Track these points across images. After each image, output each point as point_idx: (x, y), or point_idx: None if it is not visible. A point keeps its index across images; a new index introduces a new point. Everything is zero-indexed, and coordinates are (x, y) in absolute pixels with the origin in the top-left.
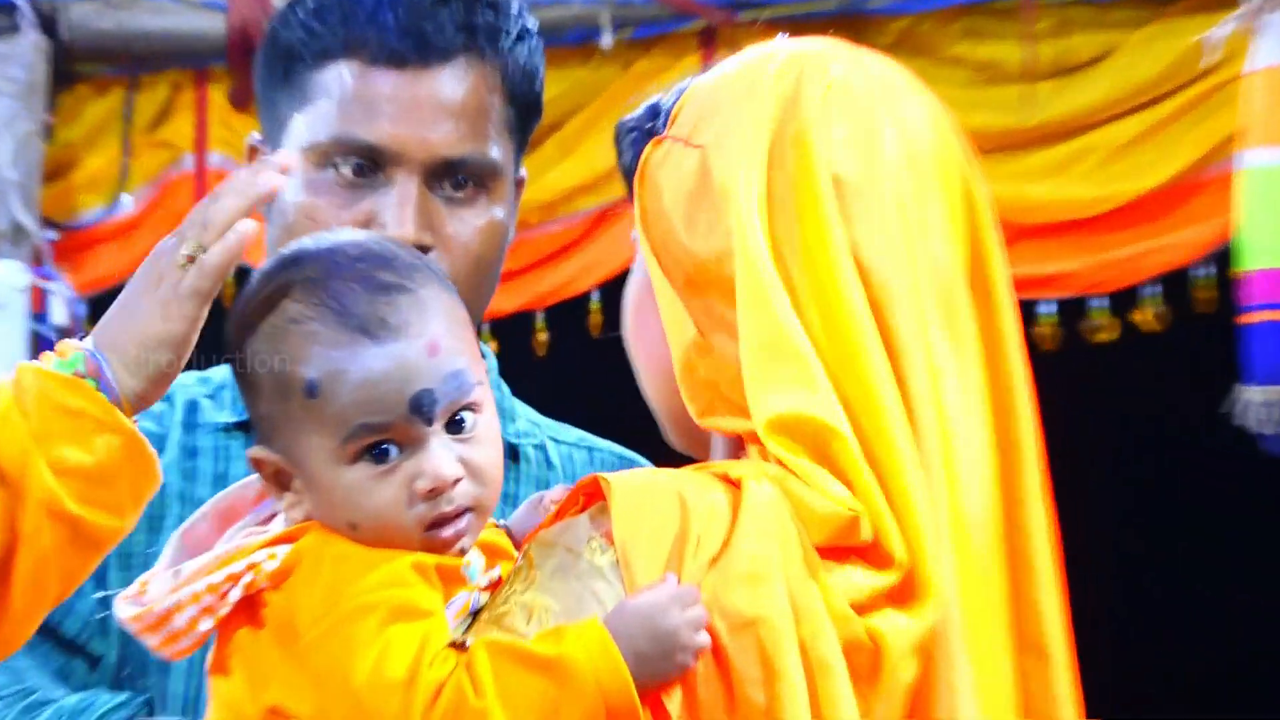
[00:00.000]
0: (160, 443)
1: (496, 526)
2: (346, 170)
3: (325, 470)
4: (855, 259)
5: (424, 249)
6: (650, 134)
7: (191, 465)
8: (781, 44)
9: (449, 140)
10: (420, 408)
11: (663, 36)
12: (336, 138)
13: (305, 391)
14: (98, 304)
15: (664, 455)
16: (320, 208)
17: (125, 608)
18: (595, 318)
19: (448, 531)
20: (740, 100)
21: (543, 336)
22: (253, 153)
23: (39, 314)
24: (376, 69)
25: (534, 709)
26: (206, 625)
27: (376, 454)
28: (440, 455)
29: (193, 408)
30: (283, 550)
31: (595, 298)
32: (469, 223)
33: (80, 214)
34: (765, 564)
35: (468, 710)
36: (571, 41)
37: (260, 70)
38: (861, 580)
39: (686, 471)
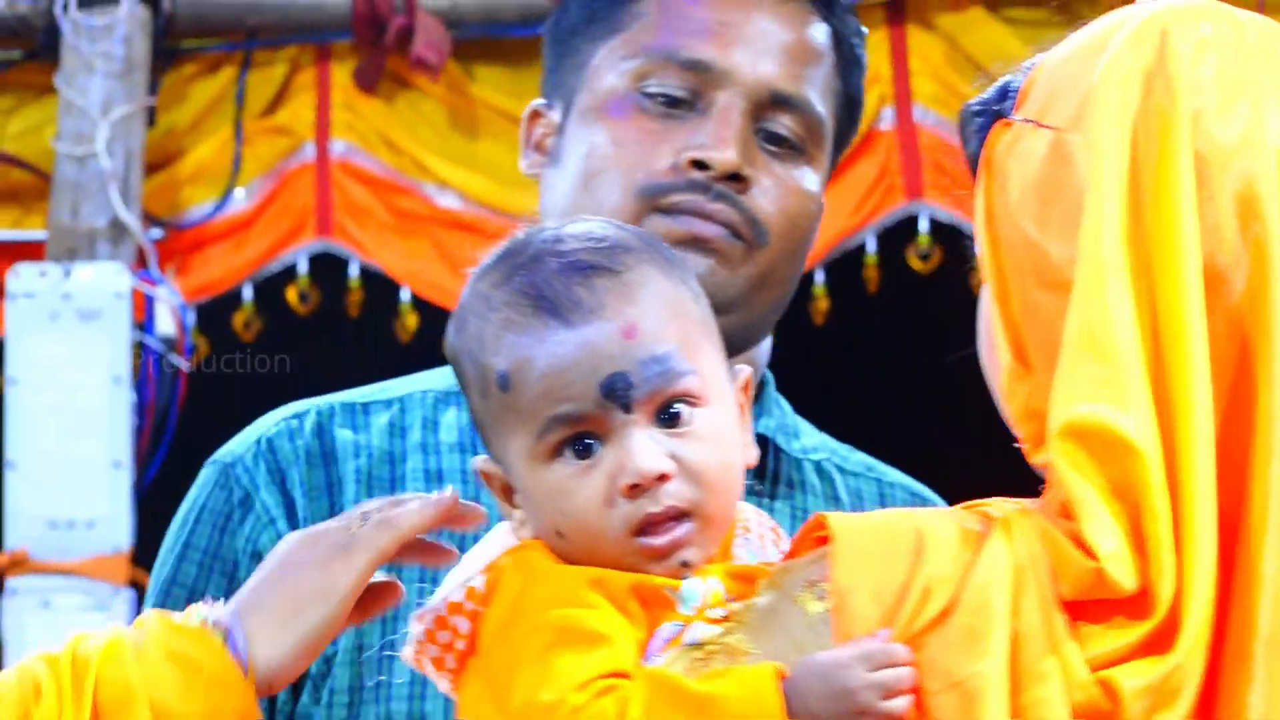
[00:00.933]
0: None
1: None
2: (661, 98)
3: (528, 472)
4: (1207, 260)
5: (742, 179)
6: (998, 116)
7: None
8: (1142, 5)
9: (784, 74)
10: (613, 393)
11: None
12: (659, 51)
13: (499, 385)
14: (207, 312)
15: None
16: (628, 145)
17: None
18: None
19: (661, 539)
20: (1097, 74)
21: None
22: (534, 117)
23: (142, 323)
24: None
25: None
26: (450, 663)
27: (577, 449)
28: (642, 446)
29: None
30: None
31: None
32: (784, 178)
33: (187, 210)
34: (991, 618)
35: None
36: None
37: (556, 16)
38: (1113, 635)
39: (943, 511)
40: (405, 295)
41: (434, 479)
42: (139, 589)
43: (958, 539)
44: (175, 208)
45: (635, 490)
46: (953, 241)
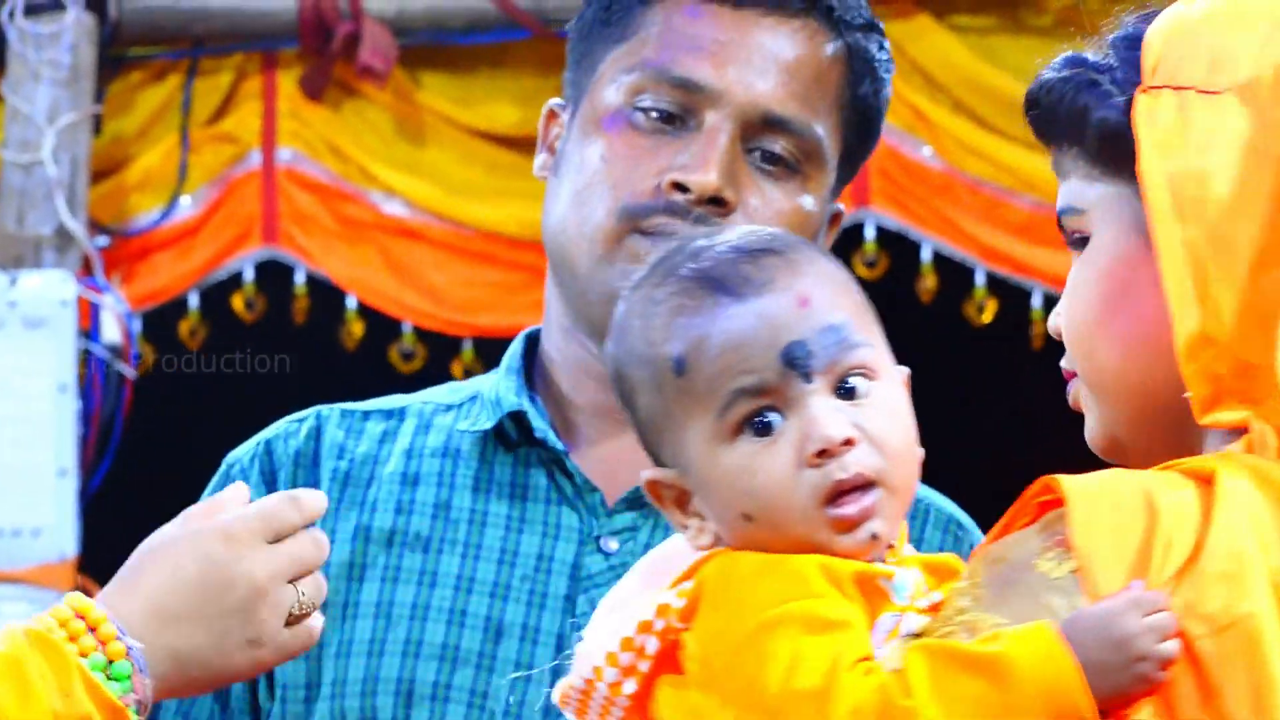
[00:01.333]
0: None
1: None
2: (653, 114)
3: (709, 457)
4: None
5: (722, 203)
6: (1092, 87)
7: (410, 497)
8: None
9: (775, 94)
10: (794, 361)
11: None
12: (654, 67)
13: (674, 370)
14: (153, 319)
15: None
16: (616, 162)
17: (556, 691)
18: None
19: (851, 508)
20: (1265, 31)
21: None
22: (551, 117)
23: (88, 330)
24: (709, 4)
25: (970, 711)
26: (631, 688)
27: (758, 426)
28: (827, 413)
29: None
30: (690, 585)
31: None
32: (775, 199)
33: (133, 217)
34: (1245, 562)
35: (895, 710)
36: None
37: (578, 16)
38: None
39: (1150, 472)
40: (351, 303)
41: (410, 482)
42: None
43: (1183, 491)
44: (121, 215)
45: (823, 455)
46: (898, 248)
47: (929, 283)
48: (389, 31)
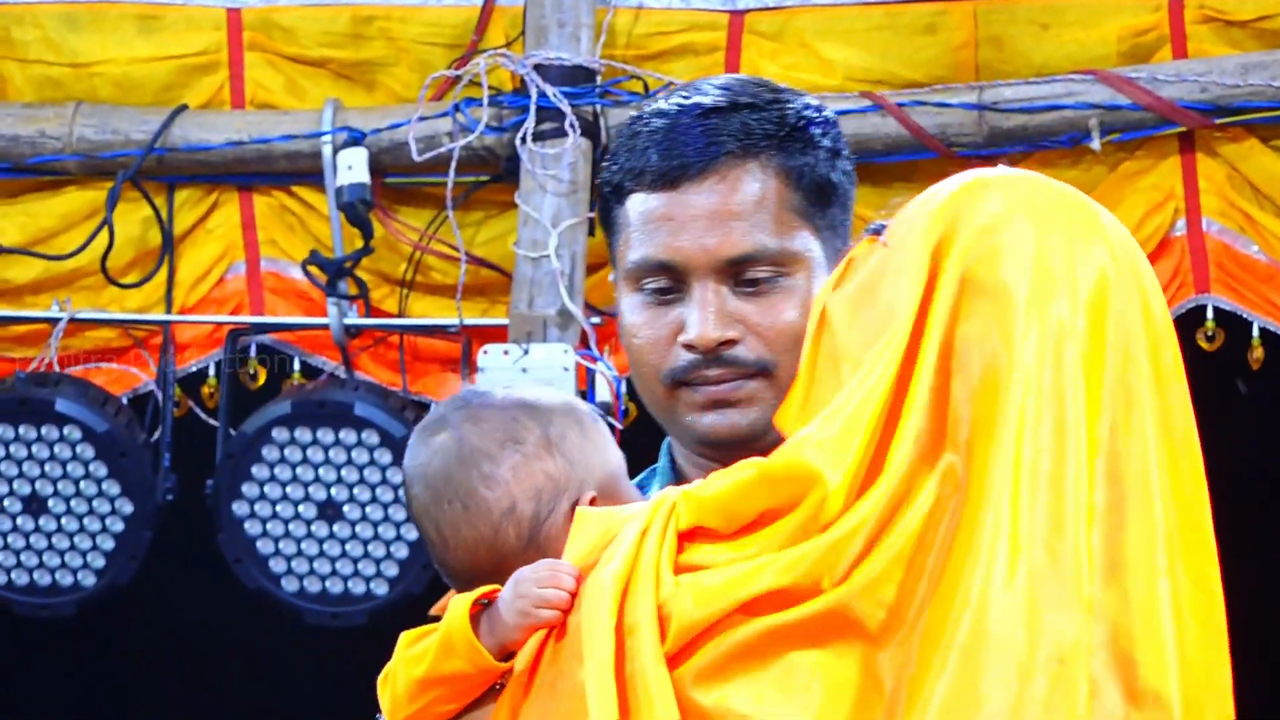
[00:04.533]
0: None
1: None
2: (654, 290)
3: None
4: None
5: (728, 342)
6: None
7: None
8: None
9: (729, 242)
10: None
11: (1147, 140)
12: (637, 263)
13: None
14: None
15: None
16: (639, 325)
17: None
18: None
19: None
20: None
21: None
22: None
23: (584, 391)
24: (655, 194)
25: (419, 658)
26: None
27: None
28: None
29: None
30: None
31: None
32: (774, 307)
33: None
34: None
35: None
36: (1064, 144)
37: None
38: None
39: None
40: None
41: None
42: None
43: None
44: (610, 300)
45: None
46: (1234, 327)
47: (1258, 354)
48: None
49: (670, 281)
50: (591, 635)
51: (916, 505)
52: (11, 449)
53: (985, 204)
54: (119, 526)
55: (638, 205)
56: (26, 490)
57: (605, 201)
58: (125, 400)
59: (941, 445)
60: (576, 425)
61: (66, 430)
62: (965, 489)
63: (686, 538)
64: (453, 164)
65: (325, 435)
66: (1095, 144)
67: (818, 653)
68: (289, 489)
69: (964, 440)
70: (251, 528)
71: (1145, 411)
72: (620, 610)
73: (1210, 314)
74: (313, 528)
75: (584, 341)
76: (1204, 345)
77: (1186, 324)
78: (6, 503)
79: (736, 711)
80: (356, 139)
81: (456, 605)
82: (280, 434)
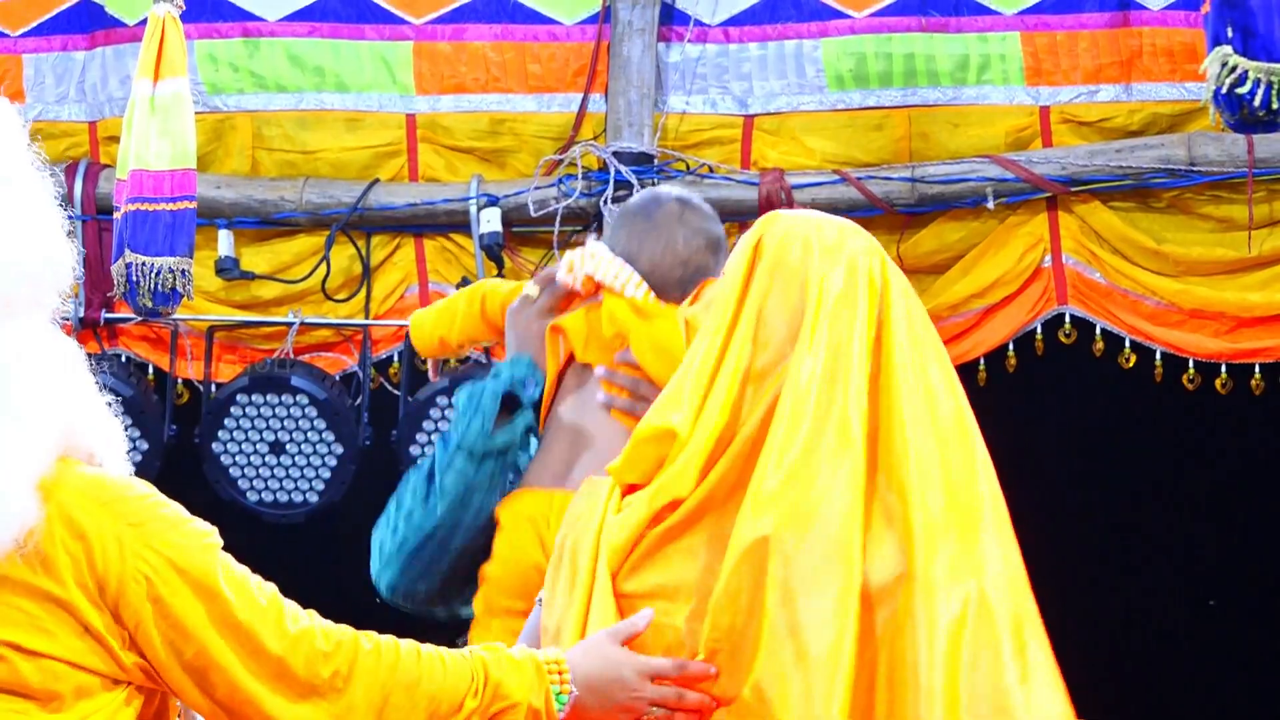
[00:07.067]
0: None
1: None
2: None
3: None
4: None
5: None
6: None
7: None
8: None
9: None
10: None
11: (1025, 202)
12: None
13: None
14: None
15: None
16: None
17: None
18: (982, 375)
19: None
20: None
21: None
22: None
23: None
24: None
25: None
26: None
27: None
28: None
29: None
30: None
31: (981, 364)
32: None
33: None
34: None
35: None
36: (970, 204)
37: None
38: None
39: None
40: None
41: None
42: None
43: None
44: None
45: None
46: (1083, 329)
47: (1099, 346)
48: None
49: None
50: (577, 568)
51: (748, 424)
52: (261, 410)
53: (780, 221)
54: (333, 462)
55: None
56: (272, 438)
57: None
58: (338, 377)
59: (766, 376)
60: None
61: (299, 398)
62: (775, 402)
63: (627, 492)
64: (558, 219)
65: None
66: (990, 204)
67: (690, 536)
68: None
69: (779, 368)
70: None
71: (892, 335)
72: (596, 548)
73: (1068, 320)
74: None
75: None
76: (1064, 340)
77: (1051, 327)
78: (259, 446)
79: (649, 585)
80: (493, 202)
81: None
82: (441, 399)
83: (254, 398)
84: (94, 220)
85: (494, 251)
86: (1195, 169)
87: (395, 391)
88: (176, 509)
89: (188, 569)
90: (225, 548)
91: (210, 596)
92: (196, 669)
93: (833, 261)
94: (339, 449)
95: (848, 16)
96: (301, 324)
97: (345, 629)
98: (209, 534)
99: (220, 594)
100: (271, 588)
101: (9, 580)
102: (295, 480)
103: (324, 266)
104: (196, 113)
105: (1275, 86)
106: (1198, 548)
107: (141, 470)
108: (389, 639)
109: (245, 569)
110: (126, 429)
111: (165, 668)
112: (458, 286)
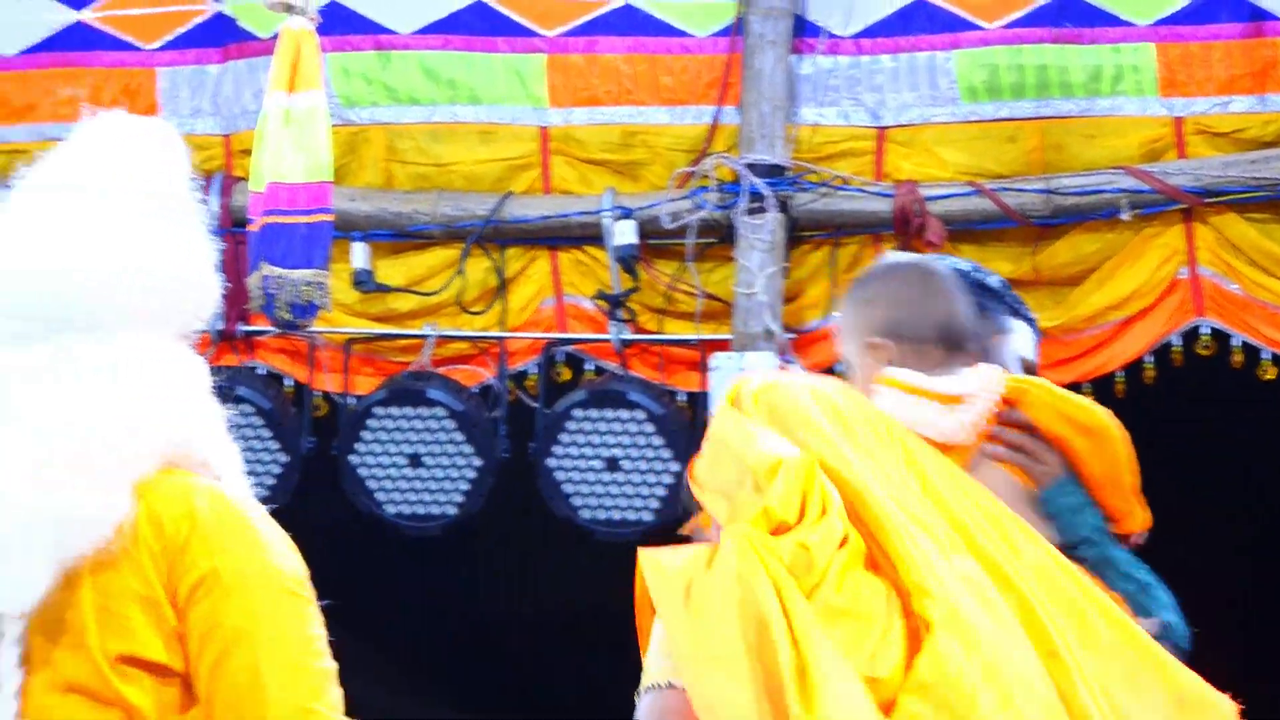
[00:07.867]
0: None
1: None
2: None
3: None
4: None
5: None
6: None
7: None
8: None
9: None
10: None
11: (1160, 214)
12: None
13: None
14: None
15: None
16: None
17: None
18: (1120, 386)
19: None
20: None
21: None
22: None
23: None
24: None
25: None
26: None
27: None
28: None
29: None
30: None
31: (1120, 375)
32: None
33: (806, 323)
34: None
35: None
36: (1104, 216)
37: None
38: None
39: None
40: None
41: None
42: None
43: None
44: (800, 321)
45: None
46: (1220, 341)
47: (1238, 358)
48: (941, 222)
49: None
50: (757, 593)
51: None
52: (399, 422)
53: (754, 380)
54: (471, 474)
55: None
56: (409, 450)
57: None
58: (475, 390)
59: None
60: None
61: (435, 410)
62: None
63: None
64: (692, 231)
65: (608, 413)
66: (1125, 216)
67: (860, 570)
68: (585, 450)
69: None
70: (560, 476)
71: (916, 458)
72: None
73: (1206, 332)
74: (601, 475)
75: (783, 352)
76: (1201, 353)
77: (1189, 339)
78: (396, 459)
79: (839, 604)
80: (627, 214)
81: None
82: (578, 412)
83: (391, 410)
84: (229, 233)
85: (629, 264)
86: None
87: (532, 404)
88: (273, 534)
89: (258, 588)
90: (363, 561)
91: (269, 623)
92: (230, 684)
93: (822, 411)
94: (477, 461)
95: (980, 28)
96: (438, 336)
97: None
98: (297, 576)
99: (281, 630)
100: (333, 666)
101: (115, 588)
102: (433, 492)
103: (459, 279)
104: (331, 125)
105: None
106: None
107: (280, 483)
108: None
109: (321, 630)
110: (264, 441)
111: (198, 677)
112: (593, 299)
